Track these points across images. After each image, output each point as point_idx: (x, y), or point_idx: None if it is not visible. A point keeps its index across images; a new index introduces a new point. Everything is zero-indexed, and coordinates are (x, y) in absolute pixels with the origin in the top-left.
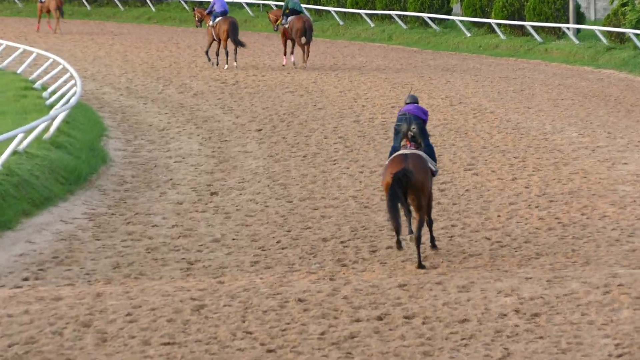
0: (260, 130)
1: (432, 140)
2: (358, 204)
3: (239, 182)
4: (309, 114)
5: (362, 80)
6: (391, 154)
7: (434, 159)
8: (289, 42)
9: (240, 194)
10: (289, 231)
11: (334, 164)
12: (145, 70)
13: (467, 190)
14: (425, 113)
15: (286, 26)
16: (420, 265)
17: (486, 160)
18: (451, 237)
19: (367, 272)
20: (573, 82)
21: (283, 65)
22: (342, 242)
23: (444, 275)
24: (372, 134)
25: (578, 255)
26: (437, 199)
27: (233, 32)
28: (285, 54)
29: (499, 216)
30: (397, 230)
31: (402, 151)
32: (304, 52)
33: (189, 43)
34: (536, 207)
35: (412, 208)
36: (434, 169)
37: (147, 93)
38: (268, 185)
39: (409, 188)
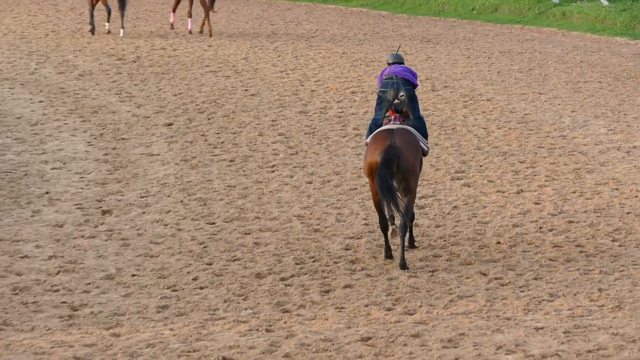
0: (170, 124)
1: None
2: (305, 227)
3: (142, 197)
4: (238, 103)
5: (311, 55)
6: (371, 129)
7: (425, 134)
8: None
9: (144, 212)
10: (209, 264)
11: (273, 172)
12: (12, 42)
13: (455, 207)
14: (415, 76)
15: None
16: (403, 264)
17: (481, 166)
18: (433, 271)
19: (318, 321)
20: (600, 58)
21: (170, 27)
22: (282, 279)
23: (423, 324)
24: (325, 130)
25: (607, 297)
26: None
27: None
28: (174, 11)
29: (498, 243)
30: (385, 226)
31: (386, 126)
32: (206, 15)
33: (72, 4)
34: (550, 230)
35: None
36: (425, 147)
37: (14, 73)
38: (181, 201)
39: (397, 169)
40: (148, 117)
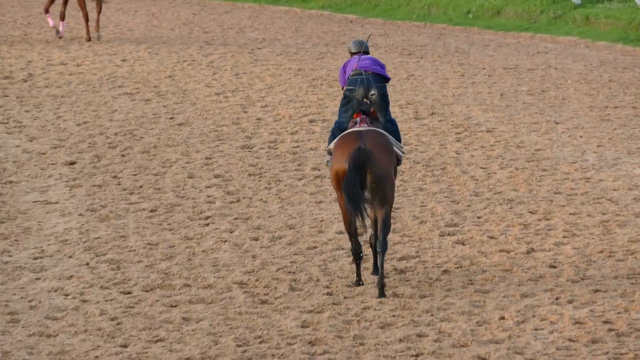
0: (73, 163)
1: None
2: (249, 297)
3: (35, 258)
4: (162, 134)
5: (256, 72)
6: (334, 134)
7: (398, 139)
8: None
9: (38, 278)
10: (124, 346)
11: (207, 224)
12: None
13: (445, 271)
14: (384, 68)
15: None
16: (381, 290)
17: (479, 218)
18: (417, 356)
19: None
20: (635, 76)
21: (57, 34)
22: None
23: None
24: (275, 170)
25: None
26: (392, 286)
27: None
28: (47, 11)
29: (502, 319)
30: (359, 253)
31: (353, 128)
32: (98, 12)
33: None
34: (569, 302)
35: (373, 215)
36: (399, 152)
37: None
38: (87, 264)
39: (370, 176)
40: (43, 153)
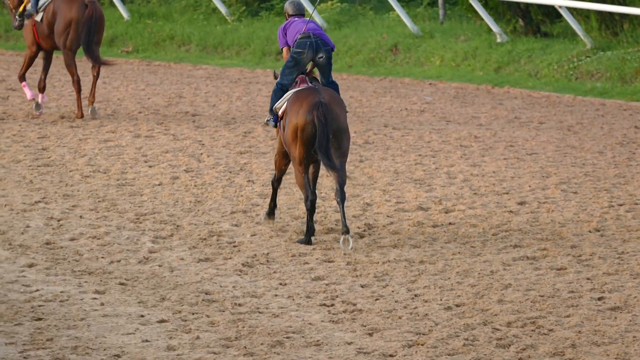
0: None
1: None
2: None
3: None
4: (584, 326)
5: None
6: (276, 94)
7: None
8: (42, 55)
9: None
10: None
11: None
12: None
13: None
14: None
15: (38, 19)
16: (346, 229)
17: None
18: None
19: None
20: None
21: (37, 108)
22: None
23: None
24: None
25: None
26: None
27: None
28: (23, 78)
29: None
30: (313, 202)
31: (305, 85)
32: (94, 78)
33: None
34: None
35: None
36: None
37: None
38: None
39: (329, 129)
40: None
